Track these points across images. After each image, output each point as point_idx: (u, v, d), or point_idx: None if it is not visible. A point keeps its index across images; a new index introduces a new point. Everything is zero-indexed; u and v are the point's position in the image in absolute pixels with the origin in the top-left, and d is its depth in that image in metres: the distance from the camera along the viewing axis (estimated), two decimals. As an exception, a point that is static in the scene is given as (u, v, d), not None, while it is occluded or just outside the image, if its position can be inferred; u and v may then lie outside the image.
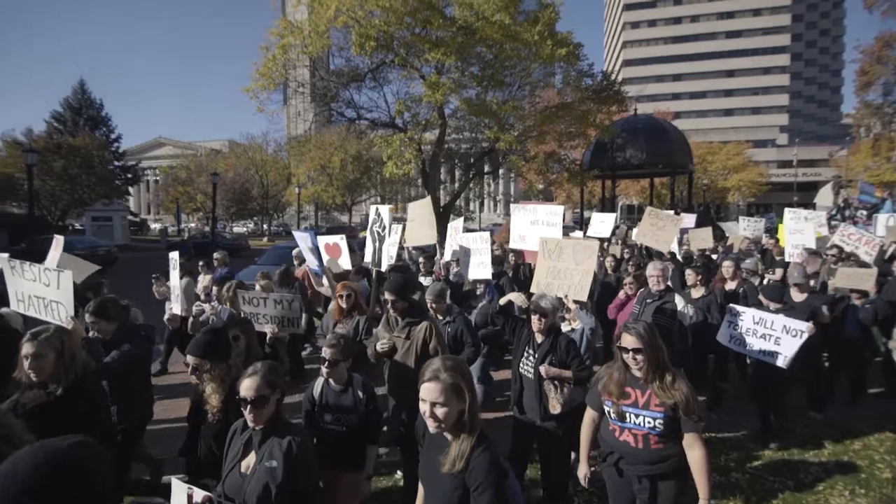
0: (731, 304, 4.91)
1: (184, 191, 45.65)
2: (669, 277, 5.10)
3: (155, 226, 53.04)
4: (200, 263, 7.76)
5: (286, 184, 42.41)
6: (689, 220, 12.12)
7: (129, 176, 38.81)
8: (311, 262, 6.31)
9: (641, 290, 5.15)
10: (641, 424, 2.51)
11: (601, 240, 9.65)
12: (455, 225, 6.92)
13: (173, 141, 70.31)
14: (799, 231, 8.32)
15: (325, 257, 6.72)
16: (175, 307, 5.13)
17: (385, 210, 6.07)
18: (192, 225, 49.85)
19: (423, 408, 1.81)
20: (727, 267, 6.20)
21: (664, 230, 7.02)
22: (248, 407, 2.13)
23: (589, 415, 2.84)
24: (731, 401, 5.77)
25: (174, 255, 5.13)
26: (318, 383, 3.05)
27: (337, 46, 16.83)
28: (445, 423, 1.79)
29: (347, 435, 2.92)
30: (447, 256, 6.82)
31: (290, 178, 36.75)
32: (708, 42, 73.63)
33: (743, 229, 11.78)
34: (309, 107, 22.54)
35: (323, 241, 7.06)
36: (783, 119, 72.31)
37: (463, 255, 6.10)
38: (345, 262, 6.72)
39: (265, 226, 51.42)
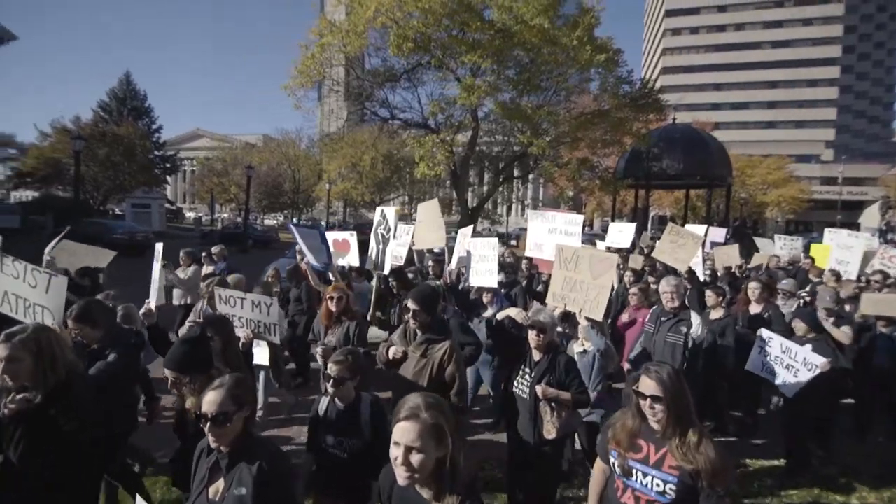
0: (763, 329, 4.62)
1: (218, 182, 46.79)
2: (685, 295, 4.81)
3: (190, 214, 54.55)
4: (203, 254, 7.56)
5: (317, 179, 42.99)
6: (717, 234, 11.50)
7: (168, 165, 39.99)
8: (313, 259, 6.01)
9: (654, 307, 4.87)
10: (649, 487, 2.06)
11: (621, 251, 9.31)
12: (465, 232, 6.65)
13: (210, 133, 72.21)
14: (847, 247, 7.94)
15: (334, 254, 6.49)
16: (152, 301, 4.65)
17: (391, 212, 5.89)
18: (225, 215, 51.06)
19: (395, 453, 1.51)
20: (753, 288, 5.72)
21: (684, 248, 6.69)
22: (209, 425, 1.87)
23: (598, 467, 2.42)
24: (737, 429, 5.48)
25: (159, 247, 4.82)
26: (325, 400, 2.76)
27: (374, 46, 16.97)
28: (420, 473, 1.50)
29: (349, 463, 2.59)
30: (453, 264, 6.53)
31: (322, 174, 37.25)
32: (752, 51, 71.38)
33: (779, 248, 11.15)
34: (342, 105, 22.80)
35: (332, 236, 6.77)
36: (829, 134, 69.52)
37: (469, 261, 5.86)
38: (353, 259, 6.56)
39: (294, 219, 52.32)
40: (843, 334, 5.06)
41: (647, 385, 2.08)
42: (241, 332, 3.66)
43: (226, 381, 1.99)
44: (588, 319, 4.04)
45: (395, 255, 7.40)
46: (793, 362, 4.32)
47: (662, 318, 4.56)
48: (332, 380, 2.62)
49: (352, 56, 16.80)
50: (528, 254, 6.69)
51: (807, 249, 11.49)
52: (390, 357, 3.37)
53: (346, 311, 4.11)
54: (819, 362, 4.12)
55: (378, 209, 6.04)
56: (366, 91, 18.39)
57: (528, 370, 3.27)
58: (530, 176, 25.00)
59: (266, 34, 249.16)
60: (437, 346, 3.23)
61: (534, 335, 3.21)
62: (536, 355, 3.25)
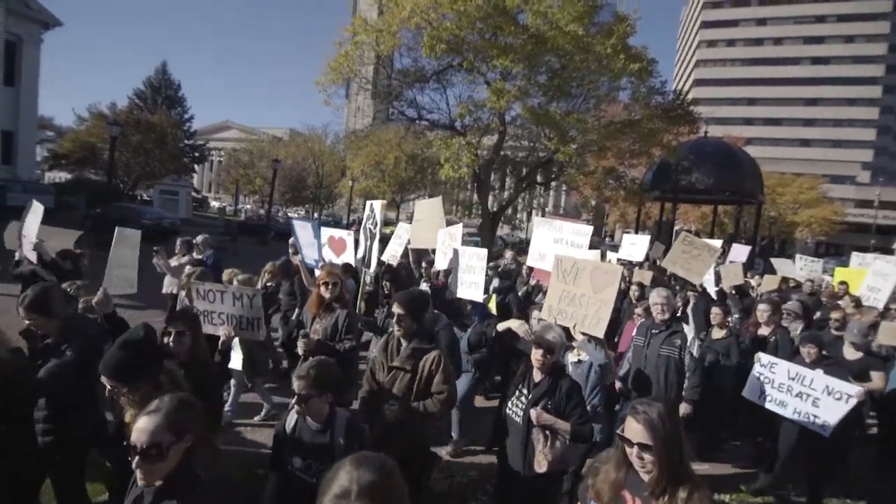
0: (760, 354, 4.30)
1: (244, 173, 47.56)
2: (675, 306, 4.58)
3: (214, 204, 55.54)
4: (178, 243, 7.05)
5: (340, 176, 43.37)
6: (740, 252, 10.92)
7: (197, 155, 40.81)
8: (307, 256, 5.66)
9: (643, 320, 4.67)
10: None
11: (632, 264, 9.02)
12: (452, 231, 6.07)
13: (239, 125, 73.54)
14: (883, 275, 7.53)
15: (327, 253, 6.13)
16: (116, 288, 4.14)
17: (378, 205, 5.57)
18: (248, 206, 51.86)
19: None
20: (762, 310, 5.45)
21: (698, 259, 6.26)
22: (136, 458, 1.52)
23: None
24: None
25: (37, 207, 4.59)
26: (293, 415, 2.38)
27: (406, 46, 17.00)
28: None
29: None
30: (439, 264, 6.01)
31: (345, 171, 37.54)
32: (790, 67, 69.58)
33: (799, 269, 10.60)
34: (370, 103, 22.92)
35: (327, 233, 6.48)
36: (867, 155, 67.35)
37: (455, 269, 5.44)
38: (349, 259, 6.22)
39: (315, 214, 52.89)
40: (876, 379, 4.63)
41: (634, 430, 1.71)
42: (222, 330, 3.32)
43: (164, 405, 1.62)
44: (585, 334, 3.77)
45: (392, 253, 7.21)
46: (808, 390, 3.90)
47: (653, 331, 4.34)
48: (295, 396, 2.23)
49: (383, 55, 16.89)
50: (529, 263, 6.36)
51: (832, 273, 11.00)
52: (369, 391, 3.06)
53: (338, 298, 3.81)
54: (854, 391, 3.70)
55: (368, 203, 5.75)
56: (394, 90, 18.45)
57: (525, 391, 2.90)
58: (553, 183, 24.80)
59: (300, 30, 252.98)
60: (425, 357, 2.93)
61: (539, 355, 2.85)
62: (537, 376, 2.89)
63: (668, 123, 17.83)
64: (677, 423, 1.76)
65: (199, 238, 7.36)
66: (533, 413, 2.76)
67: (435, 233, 6.35)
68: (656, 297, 4.37)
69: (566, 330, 3.67)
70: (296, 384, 2.25)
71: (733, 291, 7.74)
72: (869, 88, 67.05)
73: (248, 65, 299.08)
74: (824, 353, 4.48)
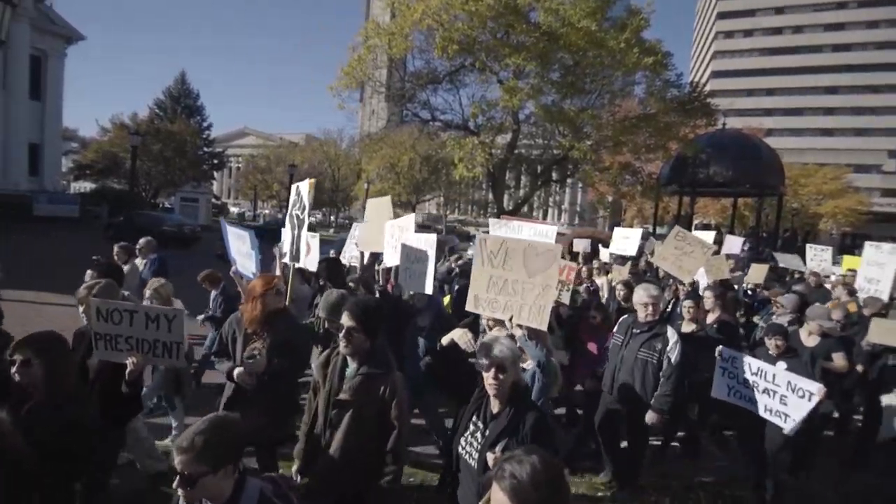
0: (721, 348, 4.13)
1: (262, 179, 48.32)
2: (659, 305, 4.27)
3: (233, 209, 56.48)
4: (115, 249, 6.25)
5: (356, 179, 43.77)
6: (734, 245, 10.71)
7: (216, 162, 41.54)
8: (244, 268, 4.95)
9: (625, 316, 4.33)
10: None
11: (624, 259, 8.74)
12: (401, 223, 5.28)
13: (256, 131, 74.72)
14: (878, 264, 7.21)
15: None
16: None
17: (305, 187, 4.67)
18: (266, 211, 52.64)
19: None
20: (707, 297, 5.25)
21: (691, 256, 5.96)
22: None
23: None
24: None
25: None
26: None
27: (418, 48, 17.09)
28: None
29: None
30: (388, 260, 5.32)
31: (360, 174, 37.88)
32: (810, 55, 67.96)
33: (810, 259, 10.30)
34: (384, 106, 23.10)
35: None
36: (892, 143, 65.35)
37: (403, 261, 4.79)
38: (311, 264, 5.45)
39: (332, 217, 53.44)
40: (837, 360, 4.56)
41: (498, 499, 1.33)
42: (129, 359, 2.73)
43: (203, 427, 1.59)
44: (521, 327, 3.19)
45: (352, 254, 6.56)
46: (772, 386, 3.74)
47: (634, 330, 4.00)
48: (177, 477, 1.60)
49: (396, 58, 17.00)
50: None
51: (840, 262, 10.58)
52: (309, 426, 2.56)
53: (279, 311, 3.15)
54: (814, 388, 3.57)
55: (294, 185, 4.90)
56: (408, 92, 18.55)
57: (480, 424, 2.30)
58: (569, 180, 24.65)
59: (313, 35, 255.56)
60: (377, 386, 2.35)
61: (490, 376, 2.22)
62: (495, 405, 2.27)
63: (684, 117, 17.59)
64: (558, 486, 1.35)
65: (142, 241, 6.73)
66: (490, 458, 2.13)
67: (381, 235, 5.70)
68: (644, 296, 3.99)
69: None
70: (177, 459, 1.60)
71: (714, 285, 7.52)
72: (892, 74, 65.10)
73: (266, 71, 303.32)
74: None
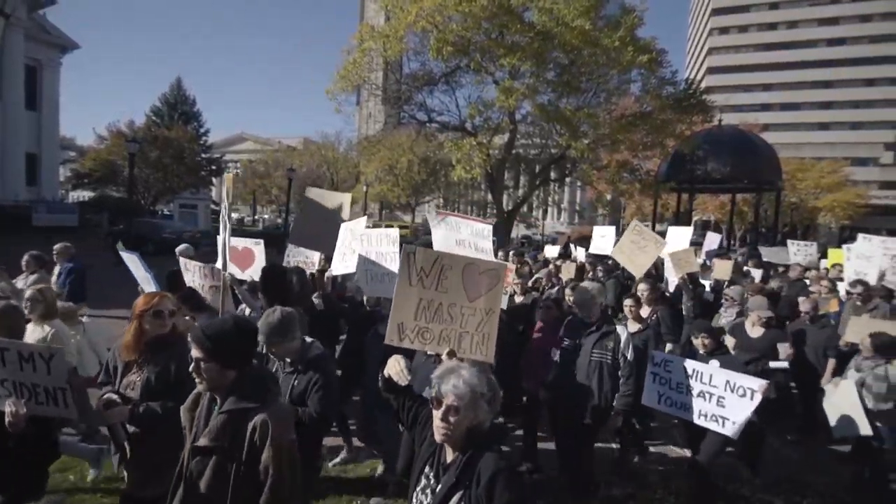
0: (654, 352, 3.92)
1: (260, 183, 48.34)
2: (604, 302, 4.10)
3: (233, 215, 56.47)
4: (25, 258, 5.48)
5: (355, 182, 43.81)
6: (713, 241, 10.47)
7: (214, 167, 41.52)
8: (146, 285, 4.52)
9: (570, 317, 4.05)
10: None
11: (604, 258, 8.35)
12: (352, 227, 4.82)
13: (254, 136, 74.77)
14: (865, 257, 7.07)
15: (232, 267, 4.80)
16: None
17: (228, 180, 4.12)
18: (266, 216, 52.67)
19: None
20: (641, 290, 5.04)
21: (644, 252, 5.92)
22: None
23: None
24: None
25: None
26: None
27: (413, 50, 17.13)
28: None
29: None
30: (336, 268, 4.88)
31: (359, 177, 37.93)
32: (805, 50, 68.11)
33: (793, 254, 10.18)
34: (381, 109, 23.14)
35: (231, 243, 5.45)
36: (889, 135, 65.46)
37: (361, 263, 4.41)
38: (256, 273, 4.98)
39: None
40: (783, 351, 4.43)
41: None
42: (7, 406, 2.29)
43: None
44: (451, 355, 2.55)
45: (305, 258, 5.53)
46: (709, 388, 3.46)
47: (584, 330, 3.85)
48: None
49: (391, 60, 17.04)
50: None
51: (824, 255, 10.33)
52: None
53: (168, 339, 2.61)
54: (755, 385, 3.31)
55: (223, 177, 4.25)
56: (404, 94, 18.59)
57: (431, 477, 1.91)
58: (567, 179, 24.69)
59: (310, 38, 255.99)
60: (243, 425, 1.87)
61: (438, 418, 1.78)
62: (448, 453, 1.85)
63: (680, 114, 17.64)
64: None
65: (58, 246, 6.00)
66: None
67: (317, 232, 5.04)
68: (586, 293, 3.86)
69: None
70: None
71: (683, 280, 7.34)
72: (888, 67, 65.27)
73: (263, 76, 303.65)
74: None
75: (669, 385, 3.68)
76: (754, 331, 4.62)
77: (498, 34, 15.33)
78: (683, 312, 5.89)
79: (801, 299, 5.57)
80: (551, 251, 11.41)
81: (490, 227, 4.57)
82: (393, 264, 4.16)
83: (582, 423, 3.74)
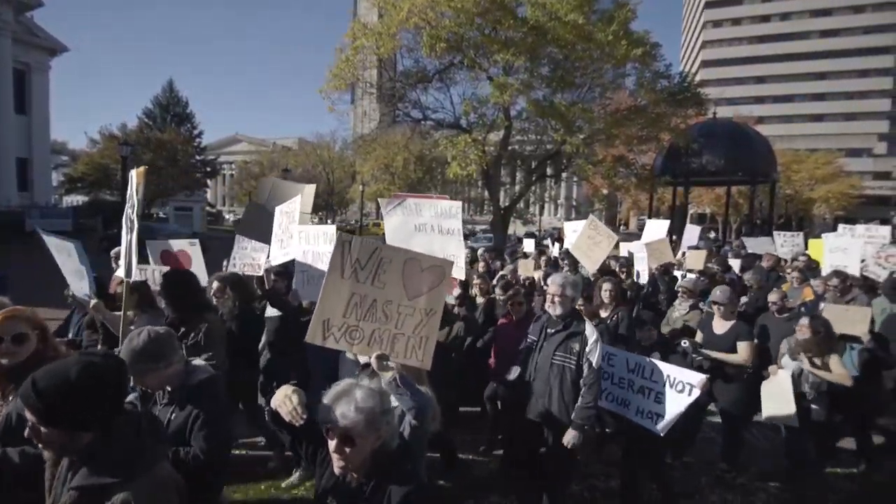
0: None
1: (256, 185, 48.12)
2: (577, 297, 3.62)
3: (228, 217, 56.27)
4: None
5: (351, 181, 43.69)
6: (692, 234, 10.38)
7: (209, 169, 41.34)
8: (76, 289, 3.84)
9: (541, 315, 3.65)
10: None
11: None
12: (286, 209, 4.29)
13: (248, 137, 74.34)
14: (841, 249, 6.93)
15: (163, 270, 4.42)
16: None
17: (134, 177, 3.55)
18: (262, 217, 52.55)
19: None
20: (605, 288, 4.78)
21: (599, 247, 5.91)
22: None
23: None
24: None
25: None
26: None
27: (406, 48, 17.04)
28: None
29: None
30: (275, 257, 4.38)
31: (355, 176, 37.81)
32: (798, 42, 68.29)
33: (780, 245, 9.94)
34: (375, 107, 23.04)
35: (159, 248, 5.02)
36: (882, 126, 65.78)
37: (298, 264, 3.96)
38: (200, 276, 4.53)
39: (328, 220, 53.35)
40: (742, 351, 4.17)
41: None
42: None
43: None
44: (390, 366, 2.21)
45: (251, 259, 4.78)
46: (649, 383, 3.35)
47: (549, 330, 3.40)
48: None
49: (384, 58, 16.94)
50: None
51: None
52: None
53: (29, 366, 1.96)
54: (695, 380, 3.18)
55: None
56: (398, 92, 18.50)
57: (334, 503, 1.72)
58: (564, 175, 24.67)
59: (303, 39, 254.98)
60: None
61: (332, 450, 1.60)
62: (352, 479, 1.68)
63: (675, 107, 17.62)
64: None
65: None
66: None
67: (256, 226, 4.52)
68: (552, 284, 3.48)
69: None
70: None
71: (659, 271, 7.12)
72: (881, 58, 65.49)
73: (256, 76, 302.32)
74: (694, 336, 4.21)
75: (612, 380, 3.54)
76: (719, 325, 4.39)
77: (491, 30, 15.26)
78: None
79: (770, 295, 5.37)
80: (529, 245, 11.25)
81: (458, 205, 3.92)
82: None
83: (553, 440, 3.30)
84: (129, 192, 3.71)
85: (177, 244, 5.09)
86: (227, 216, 58.19)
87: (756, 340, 4.59)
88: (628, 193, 27.24)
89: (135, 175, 3.59)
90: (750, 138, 19.86)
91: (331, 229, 3.91)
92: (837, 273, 5.95)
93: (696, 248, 9.51)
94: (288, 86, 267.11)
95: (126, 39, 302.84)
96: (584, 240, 6.08)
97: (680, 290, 5.44)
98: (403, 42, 16.53)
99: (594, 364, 3.23)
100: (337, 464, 1.61)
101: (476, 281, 5.50)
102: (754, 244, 11.21)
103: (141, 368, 2.09)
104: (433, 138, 20.60)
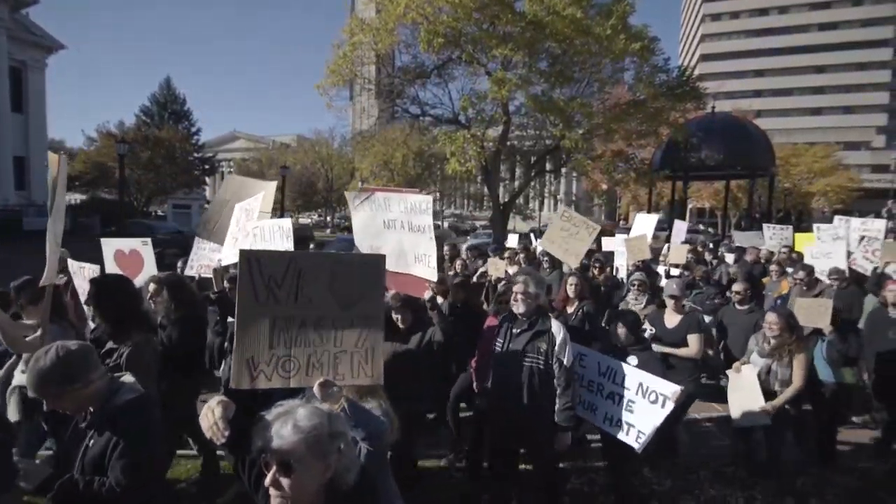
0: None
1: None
2: (541, 295, 3.36)
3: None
4: None
5: (350, 178, 43.60)
6: (681, 229, 10.04)
7: (207, 167, 41.25)
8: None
9: (506, 315, 3.40)
10: None
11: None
12: (246, 207, 4.00)
13: (246, 135, 74.19)
14: (825, 255, 6.75)
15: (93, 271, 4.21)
16: None
17: (54, 161, 3.22)
18: (261, 215, 52.55)
19: None
20: (570, 283, 4.67)
21: (576, 238, 5.44)
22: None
23: None
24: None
25: None
26: None
27: (404, 43, 16.96)
28: None
29: None
30: (226, 256, 3.99)
31: (354, 173, 37.76)
32: (797, 35, 68.18)
33: (769, 238, 9.93)
34: (374, 103, 22.99)
35: (112, 246, 4.71)
36: (881, 119, 65.78)
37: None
38: (141, 280, 4.23)
39: (328, 218, 53.28)
40: (692, 344, 4.07)
41: None
42: None
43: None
44: (334, 390, 1.93)
45: (209, 261, 4.49)
46: (620, 389, 3.14)
47: (514, 330, 3.19)
48: None
49: (382, 54, 16.90)
50: None
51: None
52: None
53: None
54: (669, 391, 2.96)
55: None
56: (396, 88, 18.44)
57: None
58: (563, 170, 24.63)
59: (301, 36, 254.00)
60: None
61: (269, 479, 1.33)
62: None
63: (673, 101, 17.56)
64: None
65: None
66: None
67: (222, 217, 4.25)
68: (515, 283, 3.29)
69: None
70: None
71: (635, 267, 6.91)
72: (879, 51, 65.43)
73: (253, 74, 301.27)
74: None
75: (581, 382, 3.32)
76: (670, 318, 4.27)
77: (489, 25, 15.20)
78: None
79: (735, 285, 5.33)
80: (513, 242, 10.37)
81: (430, 199, 3.49)
82: None
83: (531, 448, 3.15)
84: (48, 180, 3.38)
85: (128, 243, 4.60)
86: (225, 214, 58.16)
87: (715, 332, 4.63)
88: (627, 188, 27.19)
89: (51, 161, 3.20)
90: (748, 132, 19.87)
91: (286, 223, 3.55)
92: (804, 266, 6.03)
93: (687, 242, 9.54)
94: (286, 84, 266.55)
95: (124, 38, 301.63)
96: (557, 232, 5.60)
97: (634, 283, 5.26)
98: (401, 38, 16.45)
99: (565, 363, 3.07)
100: (274, 501, 1.31)
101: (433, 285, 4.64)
102: (744, 238, 11.21)
103: (52, 392, 1.85)
104: (432, 134, 20.54)
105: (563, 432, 3.09)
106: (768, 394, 3.75)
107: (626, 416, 3.11)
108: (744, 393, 3.80)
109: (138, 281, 4.31)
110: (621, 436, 3.13)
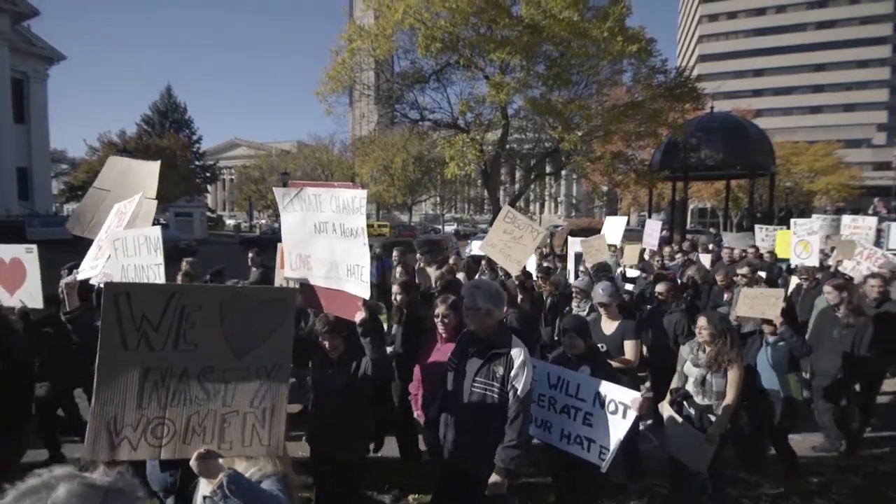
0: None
1: (256, 189, 48.21)
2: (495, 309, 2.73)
3: (229, 222, 56.35)
4: None
5: (350, 183, 43.73)
6: (654, 229, 9.73)
7: (208, 174, 41.47)
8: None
9: (465, 330, 2.84)
10: None
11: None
12: (123, 209, 3.46)
13: (247, 142, 74.40)
14: (804, 261, 6.74)
15: None
16: None
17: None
18: (263, 221, 52.55)
19: None
20: (512, 289, 4.51)
21: (520, 243, 4.85)
22: None
23: None
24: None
25: None
26: None
27: (402, 49, 17.05)
28: None
29: None
30: (83, 269, 3.42)
31: (354, 178, 37.86)
32: (795, 34, 68.21)
33: (761, 240, 9.78)
34: (373, 109, 23.08)
35: None
36: (881, 116, 65.67)
37: (119, 275, 3.09)
38: (29, 297, 3.60)
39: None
40: (628, 350, 3.84)
41: None
42: None
43: None
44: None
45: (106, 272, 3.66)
46: (576, 402, 2.80)
47: (470, 350, 2.69)
48: None
49: (381, 59, 16.96)
50: (287, 274, 3.21)
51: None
52: None
53: None
54: (629, 399, 2.66)
55: None
56: (395, 93, 18.53)
57: None
58: (563, 172, 24.66)
59: (300, 43, 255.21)
60: None
61: None
62: None
63: (672, 102, 17.59)
64: None
65: None
66: None
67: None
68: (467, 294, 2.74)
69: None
70: None
71: (595, 268, 6.63)
72: (878, 49, 65.41)
73: (253, 81, 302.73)
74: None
75: (532, 398, 2.91)
76: (607, 325, 4.07)
77: (486, 29, 15.26)
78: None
79: (662, 283, 5.23)
80: (475, 248, 9.65)
81: (363, 194, 2.75)
82: (157, 281, 2.81)
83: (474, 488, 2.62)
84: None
85: (9, 251, 3.71)
86: (227, 221, 58.27)
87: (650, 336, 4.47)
88: (628, 189, 27.20)
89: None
90: (747, 131, 19.84)
91: (154, 231, 2.91)
92: (749, 263, 6.14)
93: (669, 242, 9.45)
94: (286, 91, 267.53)
95: (124, 47, 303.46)
96: (500, 235, 4.95)
97: (574, 290, 5.00)
98: (399, 43, 16.53)
99: (519, 392, 2.51)
100: None
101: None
102: (735, 239, 11.07)
103: None
104: (431, 139, 20.60)
105: (498, 473, 2.50)
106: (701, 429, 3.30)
107: (584, 431, 2.76)
108: (680, 434, 3.33)
109: (16, 297, 3.58)
110: (582, 454, 2.77)
